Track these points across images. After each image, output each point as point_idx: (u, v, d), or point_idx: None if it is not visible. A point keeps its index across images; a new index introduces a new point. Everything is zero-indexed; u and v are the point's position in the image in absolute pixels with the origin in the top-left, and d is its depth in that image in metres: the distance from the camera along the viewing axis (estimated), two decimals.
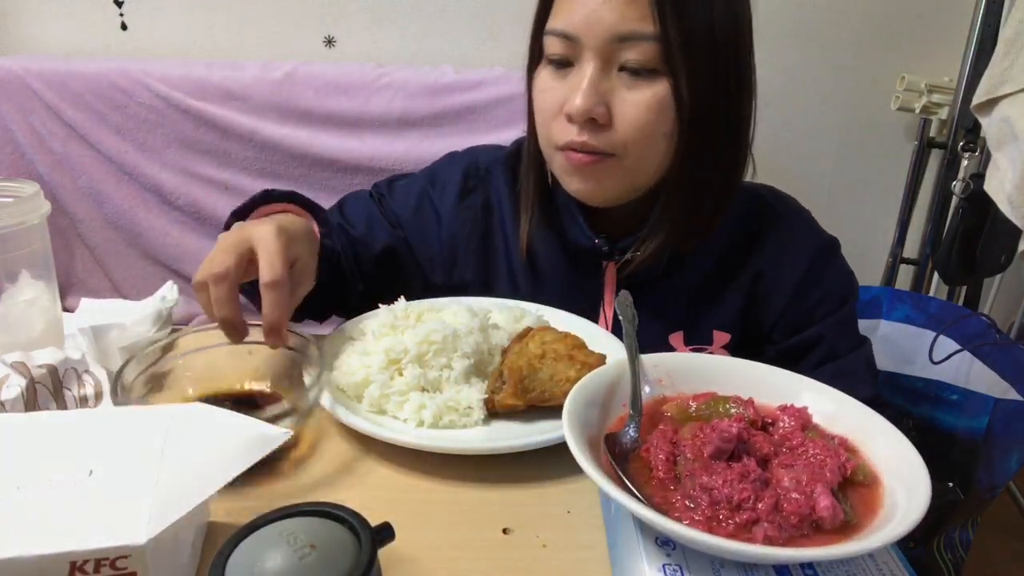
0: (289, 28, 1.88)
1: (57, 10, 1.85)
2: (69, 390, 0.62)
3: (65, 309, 0.78)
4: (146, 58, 1.84)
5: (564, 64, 0.75)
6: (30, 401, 0.58)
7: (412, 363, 0.66)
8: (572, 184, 0.78)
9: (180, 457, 0.41)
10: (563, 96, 0.74)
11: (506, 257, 0.92)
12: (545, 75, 0.77)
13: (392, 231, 0.92)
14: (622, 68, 0.72)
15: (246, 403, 0.64)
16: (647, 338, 0.73)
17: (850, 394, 0.57)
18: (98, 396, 0.64)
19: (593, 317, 0.86)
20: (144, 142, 1.75)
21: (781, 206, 0.90)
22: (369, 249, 0.91)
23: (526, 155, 0.87)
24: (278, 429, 0.46)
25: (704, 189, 0.79)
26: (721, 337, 0.87)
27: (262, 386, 0.67)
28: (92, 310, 0.81)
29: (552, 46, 0.75)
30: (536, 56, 0.79)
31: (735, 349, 0.87)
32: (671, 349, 0.86)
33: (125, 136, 1.74)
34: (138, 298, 0.80)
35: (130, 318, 0.77)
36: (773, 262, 0.86)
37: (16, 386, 0.58)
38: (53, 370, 0.61)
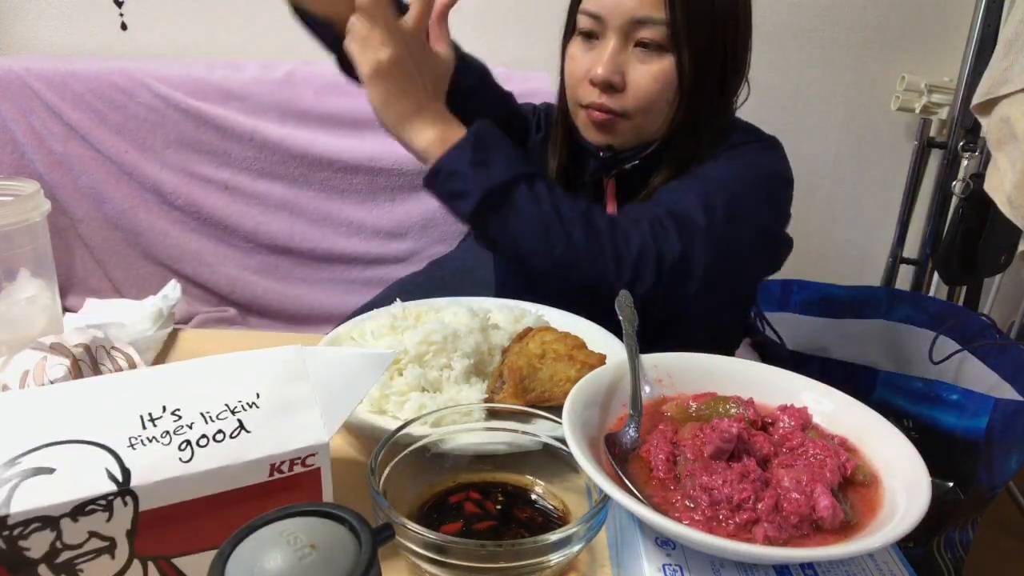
0: (289, 28, 1.88)
1: (57, 10, 1.86)
2: (104, 366, 0.63)
3: (66, 309, 0.78)
4: (146, 58, 1.85)
5: (591, 37, 0.89)
6: (76, 379, 0.58)
7: (412, 363, 0.66)
8: (590, 135, 0.93)
9: (322, 380, 0.48)
10: (589, 64, 0.88)
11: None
12: (576, 46, 0.92)
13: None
14: (637, 44, 0.86)
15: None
16: None
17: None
18: (131, 367, 0.64)
19: None
20: (144, 142, 1.75)
21: (729, 126, 0.98)
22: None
23: (556, 110, 1.02)
24: (387, 351, 0.53)
25: (699, 139, 0.93)
26: None
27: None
28: (96, 310, 0.81)
29: (583, 22, 0.89)
30: (570, 29, 0.93)
31: None
32: None
33: (125, 136, 1.74)
34: (138, 298, 0.81)
35: (130, 317, 0.77)
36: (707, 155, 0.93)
37: (61, 365, 0.59)
38: (88, 348, 0.62)
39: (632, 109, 0.88)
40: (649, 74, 0.87)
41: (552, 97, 1.05)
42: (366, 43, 0.74)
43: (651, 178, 0.94)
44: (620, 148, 0.93)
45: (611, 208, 1.00)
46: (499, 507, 0.53)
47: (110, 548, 0.41)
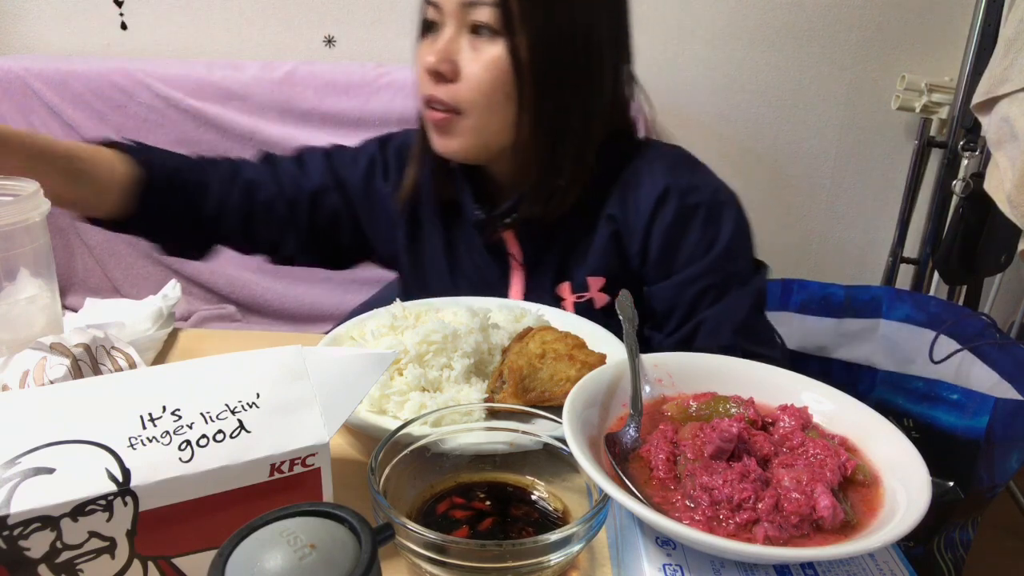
0: (289, 28, 1.88)
1: (57, 10, 1.85)
2: (104, 365, 0.63)
3: (65, 309, 0.78)
4: (146, 58, 1.85)
5: (434, 28, 0.83)
6: (76, 379, 0.58)
7: (412, 363, 0.66)
8: (433, 139, 0.87)
9: (322, 380, 0.48)
10: (426, 58, 0.82)
11: (431, 237, 0.99)
12: (423, 42, 0.85)
13: (343, 195, 0.99)
14: (472, 30, 0.81)
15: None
16: (546, 289, 0.89)
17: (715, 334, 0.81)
18: (131, 367, 0.64)
19: (504, 282, 0.94)
20: (144, 142, 1.74)
21: (640, 148, 0.92)
22: (319, 206, 0.98)
23: (419, 119, 0.93)
24: (387, 351, 0.53)
25: (556, 151, 0.85)
26: (596, 282, 0.90)
27: None
28: (96, 310, 0.81)
29: (427, 13, 0.84)
30: (422, 27, 0.86)
31: (615, 292, 0.87)
32: (560, 299, 0.90)
33: (125, 136, 1.74)
34: (138, 298, 0.81)
35: (130, 317, 0.77)
36: (618, 203, 0.89)
37: (61, 365, 0.59)
38: (88, 348, 0.62)
39: (466, 102, 0.81)
40: (480, 61, 0.80)
41: None
42: None
43: (523, 206, 0.87)
44: (464, 154, 0.87)
45: (515, 256, 0.93)
46: (488, 503, 0.53)
47: (110, 548, 0.41)
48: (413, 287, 1.02)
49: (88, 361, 0.62)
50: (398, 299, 0.77)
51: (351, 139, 1.75)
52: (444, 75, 0.81)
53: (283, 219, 0.97)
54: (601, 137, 0.87)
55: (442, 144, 0.86)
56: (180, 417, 0.44)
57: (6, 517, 0.38)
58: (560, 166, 0.86)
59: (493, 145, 0.86)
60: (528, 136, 0.84)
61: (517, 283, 0.94)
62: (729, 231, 0.87)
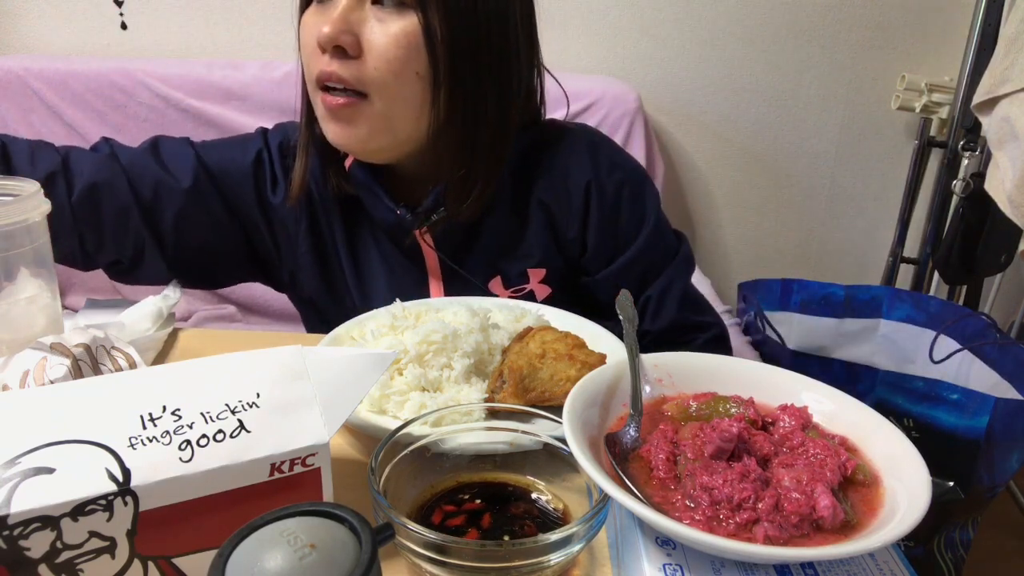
0: (289, 28, 1.88)
1: (57, 10, 1.85)
2: (104, 365, 0.63)
3: (65, 308, 0.78)
4: (146, 58, 1.84)
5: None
6: (76, 379, 0.58)
7: (412, 363, 0.66)
8: (330, 130, 0.78)
9: (322, 380, 0.48)
10: (320, 29, 0.73)
11: (333, 244, 0.91)
12: (309, 12, 0.77)
13: (223, 199, 0.88)
14: (375, 1, 0.72)
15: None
16: (474, 289, 0.83)
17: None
18: (131, 367, 0.64)
19: (424, 288, 0.89)
20: None
21: (555, 133, 0.89)
22: (199, 209, 0.86)
23: (302, 102, 0.85)
24: (387, 351, 0.53)
25: (474, 141, 0.79)
26: (537, 274, 0.87)
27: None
28: (96, 310, 0.81)
29: None
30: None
31: (556, 282, 0.88)
32: (492, 296, 0.87)
33: (125, 136, 1.72)
34: (138, 298, 0.81)
35: (130, 317, 0.77)
36: (548, 190, 0.86)
37: (62, 365, 0.59)
38: (88, 348, 0.62)
39: (373, 81, 0.73)
40: (388, 35, 0.71)
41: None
42: None
43: (449, 203, 0.82)
44: (366, 145, 0.78)
45: (432, 264, 0.87)
46: (478, 501, 0.53)
47: (110, 548, 0.41)
48: (327, 305, 0.92)
49: (88, 361, 0.62)
50: (398, 299, 0.77)
51: None
52: (345, 49, 0.72)
53: (138, 230, 0.84)
54: (516, 126, 0.84)
55: (342, 134, 0.77)
56: (180, 417, 0.44)
57: (6, 517, 0.38)
58: (477, 156, 0.79)
59: (401, 134, 0.77)
60: (444, 123, 0.77)
61: (436, 284, 0.89)
62: (653, 204, 0.87)
